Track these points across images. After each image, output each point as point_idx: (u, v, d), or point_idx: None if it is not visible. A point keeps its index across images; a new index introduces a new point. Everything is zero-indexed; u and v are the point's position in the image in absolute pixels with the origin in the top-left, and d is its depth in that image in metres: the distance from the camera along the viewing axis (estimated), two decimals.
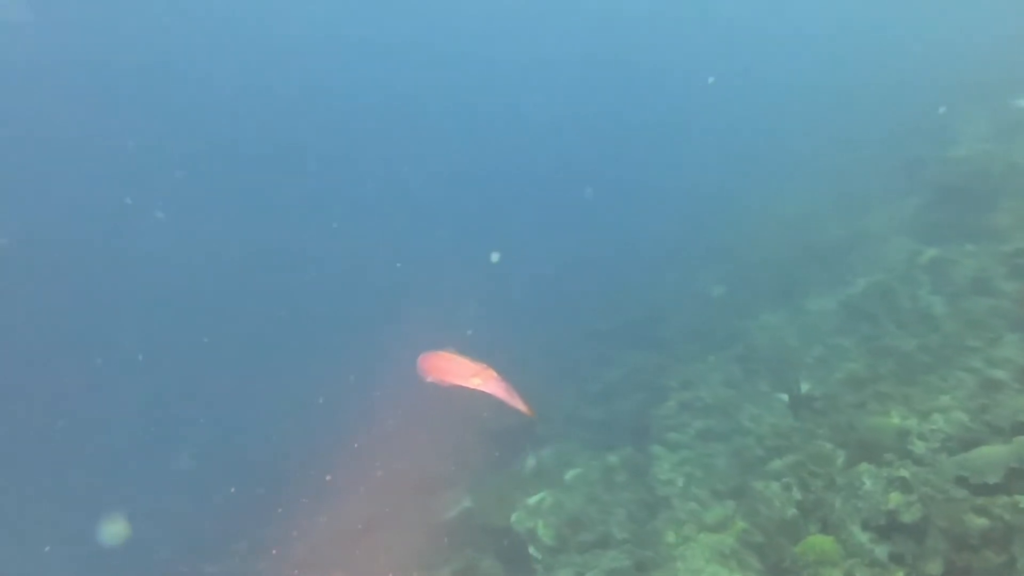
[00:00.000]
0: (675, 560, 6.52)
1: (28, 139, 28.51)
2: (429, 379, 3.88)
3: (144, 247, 25.77)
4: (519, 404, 3.63)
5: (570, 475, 9.37)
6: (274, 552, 10.38)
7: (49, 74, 29.61)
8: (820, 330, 10.72)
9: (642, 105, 38.58)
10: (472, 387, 3.71)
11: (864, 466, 6.12)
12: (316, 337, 17.94)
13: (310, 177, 33.39)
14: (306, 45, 40.08)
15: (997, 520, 5.03)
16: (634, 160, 29.79)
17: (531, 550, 8.27)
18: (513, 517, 8.73)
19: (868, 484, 5.91)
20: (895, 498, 5.65)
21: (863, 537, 5.62)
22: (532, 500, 8.92)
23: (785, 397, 8.94)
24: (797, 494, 6.51)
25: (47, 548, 11.67)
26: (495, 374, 3.67)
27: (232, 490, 11.85)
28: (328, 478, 11.18)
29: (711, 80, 30.69)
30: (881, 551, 5.49)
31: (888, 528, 5.58)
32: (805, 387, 8.76)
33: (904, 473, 5.82)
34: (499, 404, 3.71)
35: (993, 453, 5.62)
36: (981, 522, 5.10)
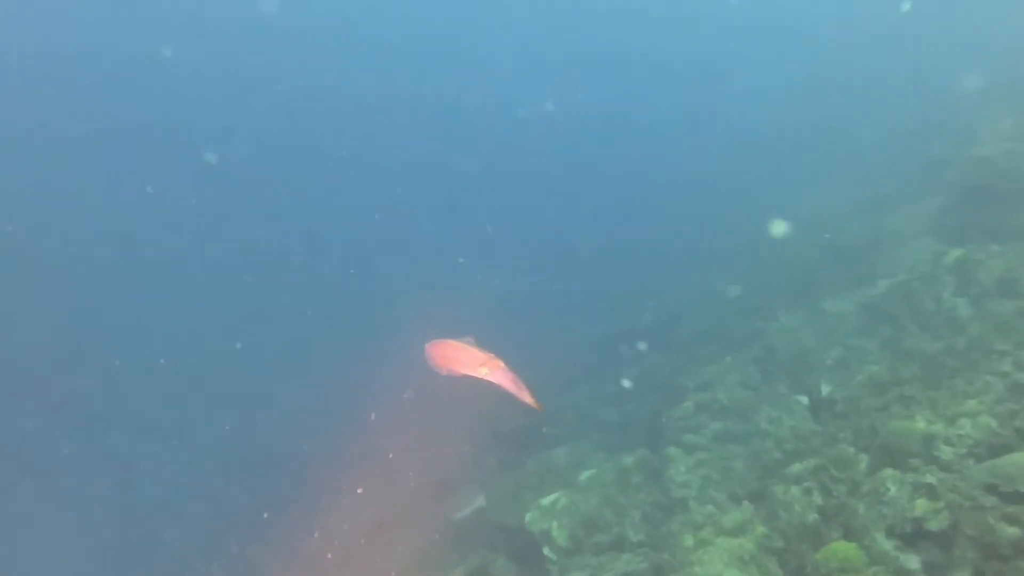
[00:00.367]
0: (693, 564, 6.41)
1: (55, 135, 28.91)
2: (435, 367, 3.80)
3: (164, 246, 26.06)
4: (527, 397, 3.54)
5: (584, 476, 9.30)
6: (288, 549, 10.41)
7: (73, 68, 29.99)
8: (839, 332, 10.55)
9: (659, 104, 38.31)
10: (479, 377, 3.61)
11: (888, 471, 5.98)
12: (332, 337, 18.00)
13: (329, 177, 33.60)
14: (335, 46, 40.26)
15: None
16: (650, 159, 29.58)
17: (545, 551, 8.21)
18: (527, 517, 8.67)
19: (893, 490, 5.78)
20: (921, 505, 5.51)
21: (888, 544, 5.49)
22: (546, 500, 8.86)
23: (805, 400, 8.79)
24: (818, 499, 6.38)
25: (68, 542, 11.82)
26: (503, 365, 3.58)
27: (245, 489, 11.92)
28: (342, 475, 11.21)
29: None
30: (907, 559, 5.35)
31: (914, 536, 5.44)
32: (825, 390, 8.61)
33: (931, 479, 5.68)
34: (510, 400, 3.62)
35: None
36: (1012, 531, 4.95)
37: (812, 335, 10.75)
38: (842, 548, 5.54)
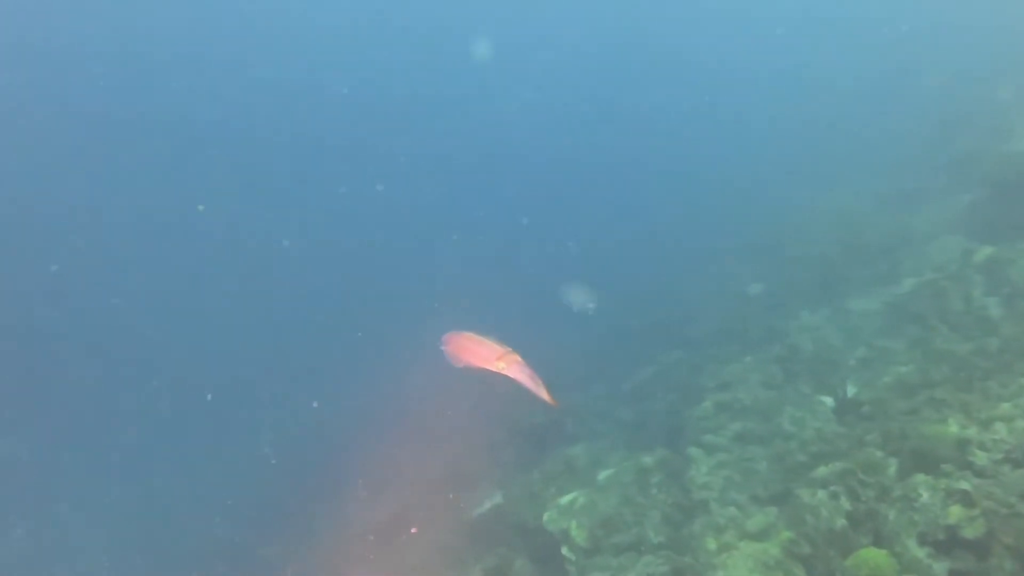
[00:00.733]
0: (716, 569, 6.31)
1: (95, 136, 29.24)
2: (451, 358, 3.76)
3: (190, 245, 26.29)
4: (543, 393, 3.49)
5: (603, 475, 9.21)
6: (304, 546, 10.45)
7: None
8: (864, 331, 10.33)
9: (679, 98, 37.82)
10: (495, 370, 3.56)
11: (920, 477, 5.82)
12: (350, 336, 18.01)
13: (348, 169, 33.70)
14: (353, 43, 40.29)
15: None
16: (671, 154, 29.23)
17: (564, 551, 8.14)
18: (545, 516, 8.60)
19: (925, 496, 5.61)
20: (955, 512, 5.35)
21: (920, 552, 5.34)
22: (564, 500, 8.77)
23: (829, 401, 8.61)
24: (846, 504, 6.23)
25: (112, 524, 11.92)
26: (520, 359, 3.52)
27: (259, 486, 11.97)
28: (358, 471, 11.22)
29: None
30: (940, 568, 5.21)
31: (948, 543, 5.29)
32: (851, 391, 8.43)
33: (965, 485, 5.51)
34: (526, 395, 3.56)
35: None
36: None
37: (836, 334, 10.54)
38: (873, 555, 5.40)
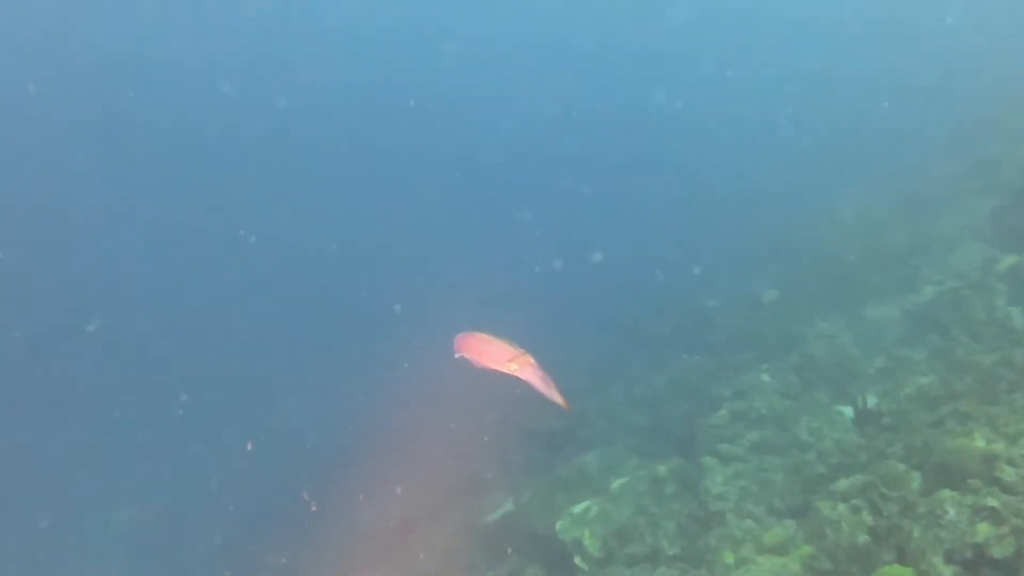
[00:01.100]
0: None
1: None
2: (462, 359, 3.69)
3: (207, 243, 26.42)
4: (556, 396, 3.40)
5: (616, 484, 9.08)
6: (315, 552, 10.41)
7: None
8: (883, 340, 10.17)
9: (693, 100, 37.55)
10: (507, 372, 3.48)
11: (946, 492, 5.66)
12: (358, 336, 18.01)
13: (364, 167, 33.77)
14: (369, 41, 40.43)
15: None
16: (686, 157, 29.00)
17: (577, 560, 8.05)
18: (558, 525, 8.51)
19: (951, 512, 5.46)
20: (984, 530, 5.20)
21: (947, 571, 5.19)
22: (577, 508, 8.68)
23: (849, 411, 8.45)
24: (868, 518, 6.08)
25: (111, 528, 11.96)
26: (532, 361, 3.44)
27: (266, 489, 11.93)
28: (367, 475, 11.17)
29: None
30: None
31: (976, 562, 5.14)
32: (871, 401, 8.26)
33: (993, 502, 5.35)
34: (538, 399, 3.48)
35: None
36: None
37: (854, 343, 10.37)
38: (898, 572, 5.26)
